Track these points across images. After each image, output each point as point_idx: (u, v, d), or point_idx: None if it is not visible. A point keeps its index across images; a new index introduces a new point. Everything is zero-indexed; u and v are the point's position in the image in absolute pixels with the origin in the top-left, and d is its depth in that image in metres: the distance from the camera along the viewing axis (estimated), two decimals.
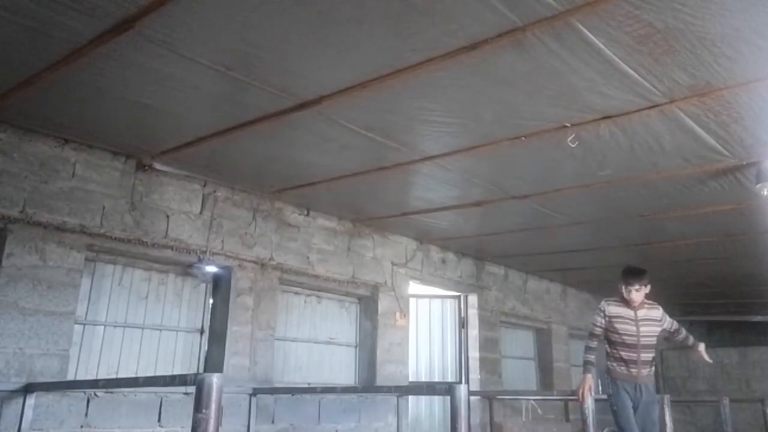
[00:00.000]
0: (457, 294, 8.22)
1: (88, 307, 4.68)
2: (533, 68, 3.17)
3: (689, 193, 5.08)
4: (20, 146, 4.23)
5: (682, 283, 9.46)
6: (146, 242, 4.82)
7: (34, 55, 3.22)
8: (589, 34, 2.85)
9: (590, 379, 4.85)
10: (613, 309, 4.83)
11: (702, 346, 5.01)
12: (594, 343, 4.85)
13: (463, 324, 8.18)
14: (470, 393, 7.02)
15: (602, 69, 3.15)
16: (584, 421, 4.80)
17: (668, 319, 4.92)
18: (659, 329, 4.84)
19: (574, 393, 5.09)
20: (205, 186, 5.28)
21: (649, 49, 2.95)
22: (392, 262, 6.99)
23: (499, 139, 4.13)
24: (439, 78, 3.32)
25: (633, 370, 4.70)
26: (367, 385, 6.55)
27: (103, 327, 4.77)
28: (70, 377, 4.39)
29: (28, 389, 3.98)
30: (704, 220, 5.85)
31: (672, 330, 4.95)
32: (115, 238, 4.65)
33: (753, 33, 2.80)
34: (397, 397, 6.48)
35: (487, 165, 4.72)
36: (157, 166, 4.83)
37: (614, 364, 4.76)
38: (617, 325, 4.76)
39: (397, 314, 6.94)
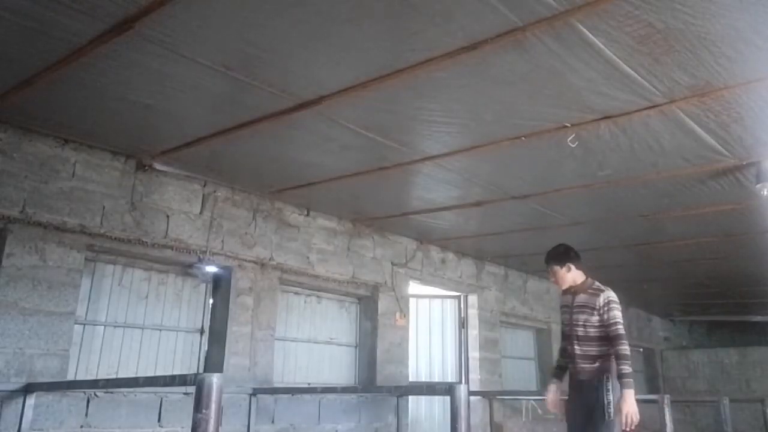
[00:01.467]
0: (457, 294, 8.22)
1: (88, 307, 4.68)
2: (533, 68, 3.17)
3: (689, 193, 5.07)
4: (20, 146, 4.23)
5: (682, 283, 9.46)
6: (146, 242, 4.82)
7: (34, 55, 3.22)
8: (589, 34, 2.85)
9: (551, 386, 4.34)
10: (562, 299, 4.34)
11: (626, 397, 3.73)
12: (563, 345, 4.32)
13: (463, 324, 8.18)
14: (470, 393, 7.01)
15: (602, 69, 3.15)
16: None
17: (610, 313, 3.95)
18: (596, 318, 3.99)
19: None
20: (205, 186, 5.28)
21: (649, 49, 2.95)
22: (392, 262, 6.99)
23: (499, 139, 4.13)
24: (439, 78, 3.32)
25: (572, 365, 4.13)
26: (367, 385, 6.54)
27: (103, 327, 4.77)
28: (70, 377, 4.39)
29: (28, 389, 3.98)
30: (704, 220, 5.85)
31: (606, 326, 3.95)
32: (115, 238, 4.65)
33: (753, 33, 2.80)
34: (397, 397, 6.48)
35: (487, 165, 4.72)
36: (157, 166, 4.83)
37: (567, 363, 4.26)
38: (561, 317, 4.31)
39: (397, 314, 6.94)
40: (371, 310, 6.80)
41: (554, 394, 4.32)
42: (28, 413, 3.96)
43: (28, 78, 3.48)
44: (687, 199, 5.23)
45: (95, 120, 4.14)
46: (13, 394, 3.96)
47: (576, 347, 4.07)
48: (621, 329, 3.93)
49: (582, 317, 4.06)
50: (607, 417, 3.80)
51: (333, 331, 6.56)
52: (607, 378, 3.92)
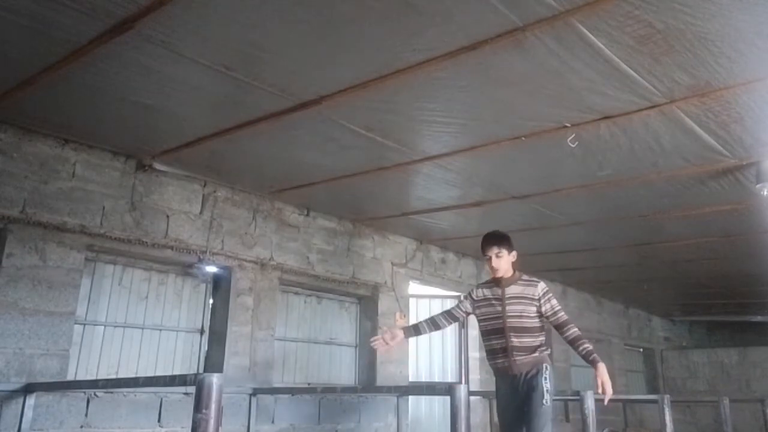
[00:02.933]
0: (457, 294, 8.20)
1: (88, 307, 4.67)
2: (533, 68, 3.17)
3: (689, 193, 5.07)
4: (20, 146, 4.23)
5: (682, 283, 9.46)
6: (146, 242, 4.82)
7: (34, 55, 3.22)
8: (589, 34, 2.85)
9: (396, 331, 4.27)
10: (481, 292, 4.21)
11: (601, 370, 3.79)
12: (439, 318, 4.28)
13: (463, 324, 8.16)
14: (470, 393, 7.00)
15: (602, 69, 3.15)
16: (584, 421, 4.80)
17: (551, 302, 4.02)
18: (534, 309, 3.99)
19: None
20: (205, 186, 5.28)
21: (649, 49, 2.95)
22: (392, 262, 6.99)
23: (499, 139, 4.13)
24: (439, 78, 3.32)
25: (504, 360, 3.97)
26: (367, 385, 6.54)
27: (103, 327, 4.77)
28: (70, 377, 4.38)
29: (28, 389, 3.98)
30: (704, 220, 5.84)
31: (549, 316, 4.01)
32: (115, 238, 4.65)
33: (753, 33, 2.80)
34: (397, 397, 6.48)
35: (487, 165, 4.72)
36: (157, 166, 4.83)
37: (490, 359, 4.11)
38: (482, 310, 4.13)
39: (397, 314, 6.94)
40: (371, 310, 6.80)
41: (396, 338, 4.22)
42: (28, 413, 3.95)
43: (28, 78, 3.48)
44: (687, 199, 5.23)
45: (95, 120, 4.14)
46: (13, 394, 3.96)
47: (513, 340, 3.96)
48: (565, 314, 4.06)
49: (518, 308, 4.02)
50: (544, 403, 3.82)
51: (333, 331, 6.56)
52: (546, 367, 3.97)
